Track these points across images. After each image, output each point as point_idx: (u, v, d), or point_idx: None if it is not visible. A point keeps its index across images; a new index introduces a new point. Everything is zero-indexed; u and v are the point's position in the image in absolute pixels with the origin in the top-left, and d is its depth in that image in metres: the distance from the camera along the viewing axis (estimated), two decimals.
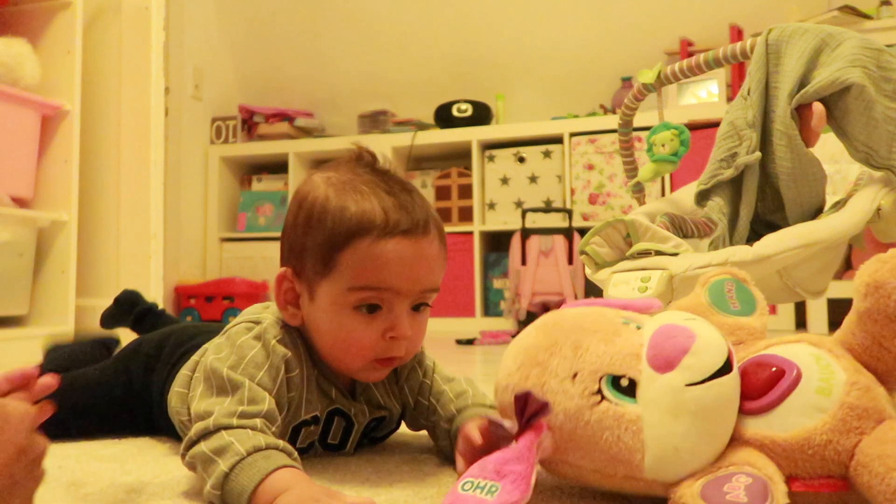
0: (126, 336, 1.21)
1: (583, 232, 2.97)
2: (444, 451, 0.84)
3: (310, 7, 3.75)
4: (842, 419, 0.59)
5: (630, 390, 0.62)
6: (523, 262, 3.11)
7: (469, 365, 1.98)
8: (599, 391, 0.62)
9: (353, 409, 0.83)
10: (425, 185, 3.49)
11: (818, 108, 1.17)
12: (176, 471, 0.78)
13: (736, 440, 0.62)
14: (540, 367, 0.66)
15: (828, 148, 1.38)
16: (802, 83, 1.20)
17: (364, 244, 0.74)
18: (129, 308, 1.29)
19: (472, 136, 3.36)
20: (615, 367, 0.63)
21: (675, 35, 3.27)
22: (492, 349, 2.42)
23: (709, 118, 2.72)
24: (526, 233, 3.13)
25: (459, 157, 3.50)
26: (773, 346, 0.68)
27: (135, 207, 2.45)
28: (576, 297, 3.01)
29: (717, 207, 1.27)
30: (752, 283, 0.80)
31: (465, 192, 3.38)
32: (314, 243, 0.76)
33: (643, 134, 1.59)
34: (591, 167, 3.18)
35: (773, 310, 2.73)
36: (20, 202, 2.18)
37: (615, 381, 0.63)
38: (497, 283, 3.34)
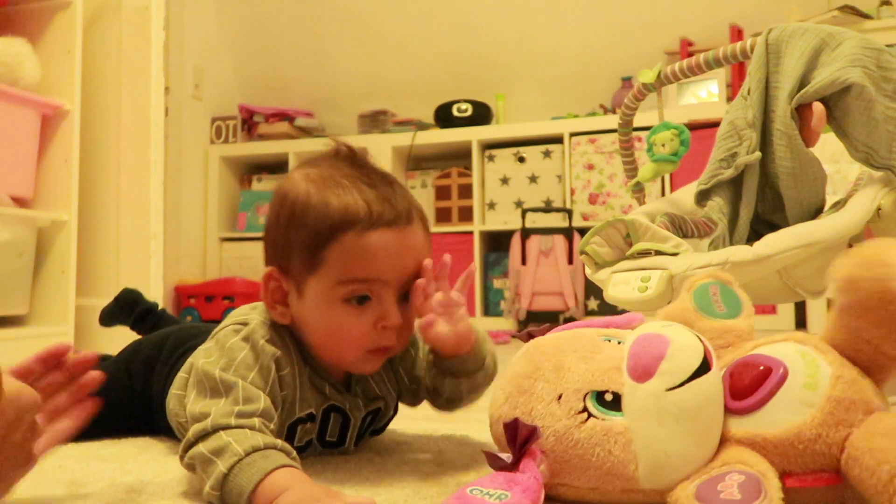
0: (126, 336, 1.21)
1: (583, 232, 2.97)
2: (438, 388, 0.85)
3: (310, 7, 3.75)
4: (829, 412, 0.60)
5: (615, 404, 0.63)
6: (523, 262, 3.11)
7: None
8: (585, 409, 0.63)
9: (348, 403, 0.84)
10: (425, 184, 3.49)
11: (818, 107, 1.17)
12: (176, 471, 0.78)
13: (727, 440, 0.63)
14: (526, 395, 0.67)
15: (828, 148, 1.38)
16: (802, 83, 1.20)
17: (349, 238, 0.74)
18: (129, 308, 1.29)
19: (472, 135, 3.36)
20: (597, 383, 0.64)
21: (675, 35, 3.27)
22: None
23: (709, 118, 2.72)
24: (526, 233, 3.12)
25: (459, 156, 3.50)
26: (760, 347, 0.68)
27: (135, 207, 2.44)
28: (576, 298, 3.01)
29: (717, 207, 1.27)
30: (737, 285, 0.81)
31: (465, 191, 3.38)
32: (299, 240, 0.76)
33: (643, 134, 1.59)
34: (591, 167, 3.18)
35: (773, 310, 2.73)
36: (20, 202, 2.18)
37: (599, 397, 0.64)
38: (497, 283, 3.33)
